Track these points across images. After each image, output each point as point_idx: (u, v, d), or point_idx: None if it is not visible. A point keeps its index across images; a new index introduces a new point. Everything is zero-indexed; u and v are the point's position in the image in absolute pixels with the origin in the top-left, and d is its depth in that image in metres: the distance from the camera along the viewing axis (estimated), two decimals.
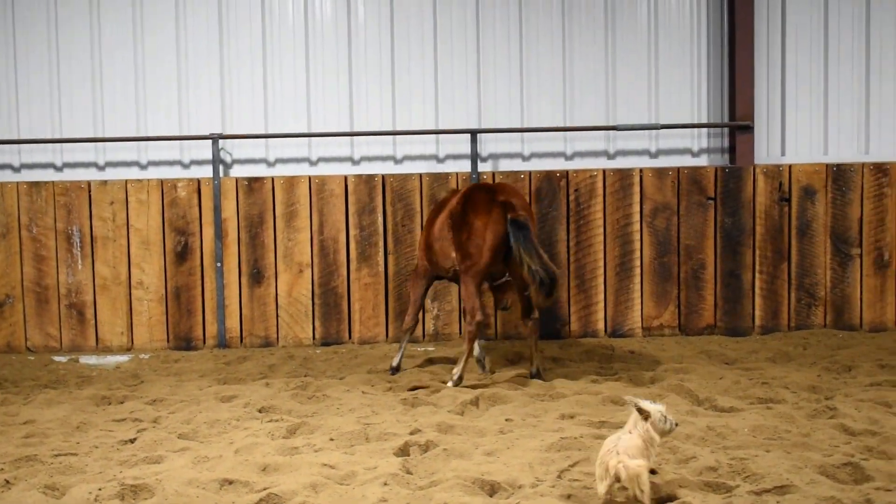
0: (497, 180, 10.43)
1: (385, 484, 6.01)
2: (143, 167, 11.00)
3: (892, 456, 6.41)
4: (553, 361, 9.58)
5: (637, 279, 10.57)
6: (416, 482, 6.10)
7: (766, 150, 10.90)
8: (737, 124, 10.69)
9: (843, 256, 10.57)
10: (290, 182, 10.58)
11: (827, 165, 10.61)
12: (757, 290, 10.57)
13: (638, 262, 10.57)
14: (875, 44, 10.91)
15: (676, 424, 5.71)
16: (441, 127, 10.94)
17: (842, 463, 6.19)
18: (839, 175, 10.57)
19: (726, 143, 10.95)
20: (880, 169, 10.58)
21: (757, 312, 10.59)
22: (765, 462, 6.24)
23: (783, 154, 10.94)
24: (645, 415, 5.57)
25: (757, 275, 10.58)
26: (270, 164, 11.02)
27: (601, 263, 10.56)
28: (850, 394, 8.01)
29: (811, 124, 10.97)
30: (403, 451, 6.74)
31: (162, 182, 10.59)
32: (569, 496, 5.76)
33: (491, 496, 5.90)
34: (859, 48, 10.92)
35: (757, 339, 10.36)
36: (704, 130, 11.00)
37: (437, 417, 7.53)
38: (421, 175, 10.59)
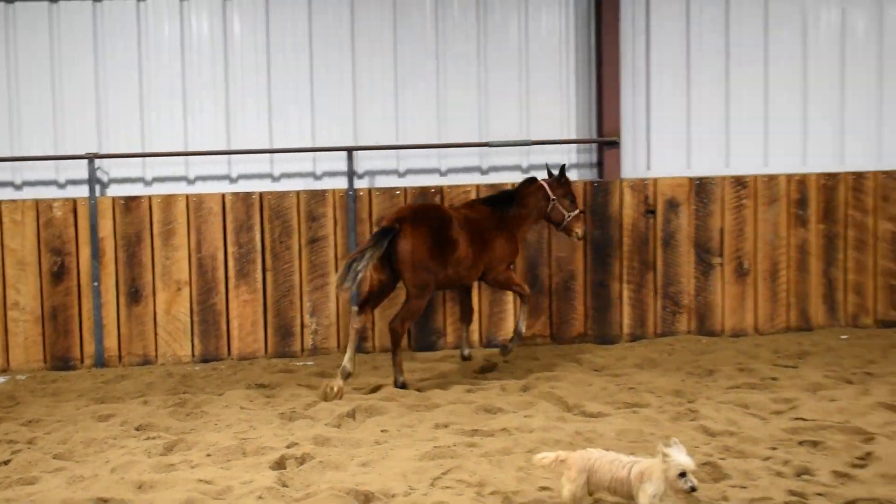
0: (373, 197, 10.60)
1: (260, 497, 6.11)
2: (17, 187, 10.88)
3: (748, 455, 6.75)
4: (428, 372, 9.77)
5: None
6: (292, 494, 6.21)
7: (632, 165, 11.26)
8: (604, 140, 11.03)
9: (706, 265, 10.99)
10: (168, 201, 10.57)
11: (690, 179, 11.01)
12: (625, 300, 10.92)
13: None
14: (734, 63, 11.35)
15: (694, 490, 5.44)
16: (318, 144, 11.04)
17: (702, 463, 6.46)
18: (701, 188, 10.98)
19: (595, 159, 11.29)
20: (740, 182, 11.03)
21: (625, 321, 10.94)
22: None
23: (649, 168, 11.32)
24: (665, 461, 5.42)
25: (625, 285, 10.92)
26: (148, 183, 10.99)
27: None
28: (711, 396, 8.37)
29: (675, 140, 11.36)
30: (279, 465, 6.84)
31: (37, 202, 10.49)
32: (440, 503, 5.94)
33: None
34: (720, 67, 11.34)
35: (625, 346, 10.67)
36: (574, 146, 11.30)
37: (314, 430, 7.63)
38: (298, 192, 10.68)
